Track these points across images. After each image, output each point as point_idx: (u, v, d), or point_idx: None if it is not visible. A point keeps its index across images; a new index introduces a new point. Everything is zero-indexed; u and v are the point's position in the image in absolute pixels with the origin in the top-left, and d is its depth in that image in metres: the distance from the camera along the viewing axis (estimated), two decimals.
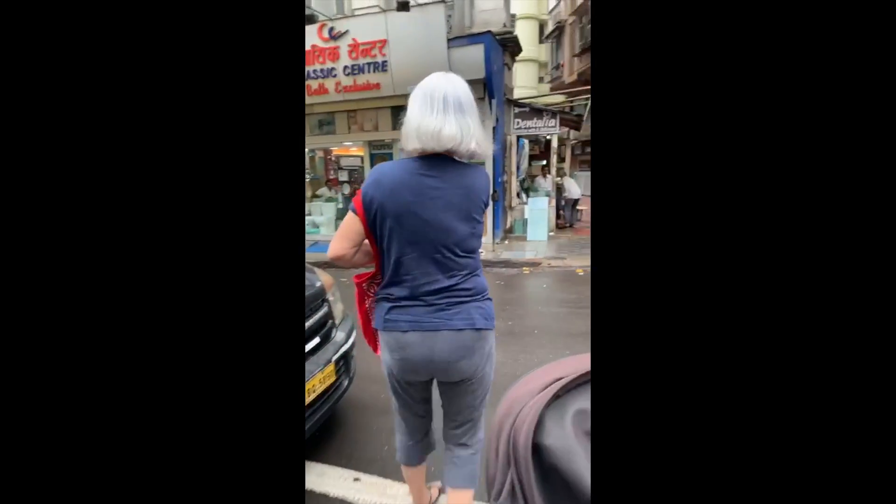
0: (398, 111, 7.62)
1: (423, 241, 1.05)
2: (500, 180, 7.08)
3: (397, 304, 1.10)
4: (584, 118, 9.21)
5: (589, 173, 18.29)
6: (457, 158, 1.07)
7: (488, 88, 6.57)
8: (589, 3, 14.85)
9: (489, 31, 6.38)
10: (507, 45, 7.20)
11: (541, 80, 20.42)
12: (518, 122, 7.57)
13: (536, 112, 7.64)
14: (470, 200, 1.07)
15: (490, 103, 6.63)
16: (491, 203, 7.32)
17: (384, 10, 6.59)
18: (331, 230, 7.44)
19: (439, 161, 1.05)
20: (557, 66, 18.55)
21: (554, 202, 8.47)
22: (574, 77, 15.87)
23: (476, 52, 6.28)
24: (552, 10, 19.15)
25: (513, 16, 7.38)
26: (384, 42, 6.40)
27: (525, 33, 20.78)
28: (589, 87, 9.28)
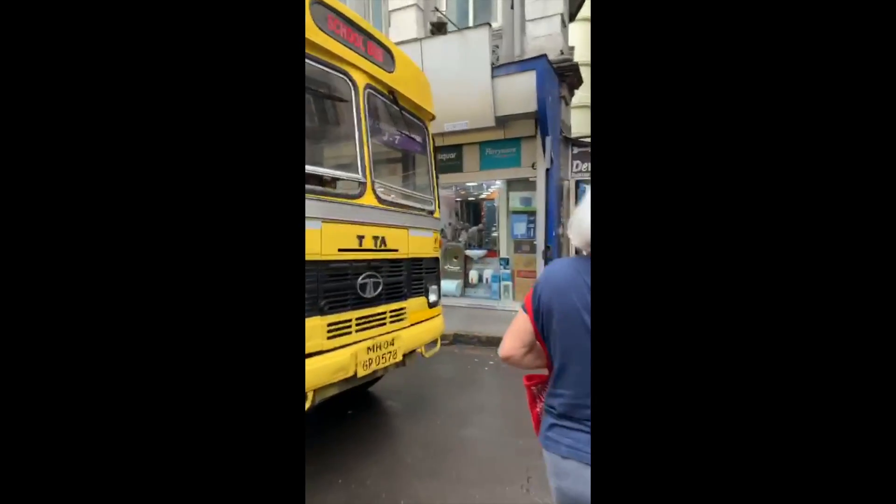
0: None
1: (587, 355, 0.85)
2: (553, 234, 5.72)
3: (559, 422, 0.94)
4: None
5: None
6: None
7: (541, 124, 5.40)
8: None
9: (544, 56, 5.29)
10: (564, 75, 6.06)
11: None
12: (577, 165, 6.26)
13: None
14: None
15: (543, 141, 5.43)
16: (543, 262, 6.07)
17: (419, 39, 5.75)
18: None
19: None
20: None
21: None
22: None
23: (526, 81, 5.18)
24: None
25: (571, 48, 6.28)
26: None
27: (585, 78, 19.94)
28: None
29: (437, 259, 3.04)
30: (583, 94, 18.22)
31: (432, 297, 2.92)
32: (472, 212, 7.51)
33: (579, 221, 0.89)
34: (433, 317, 2.91)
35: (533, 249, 6.14)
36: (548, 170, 5.37)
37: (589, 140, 6.99)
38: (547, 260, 5.64)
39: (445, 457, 2.43)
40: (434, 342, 2.90)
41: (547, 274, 0.96)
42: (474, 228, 7.20)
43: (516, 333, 0.99)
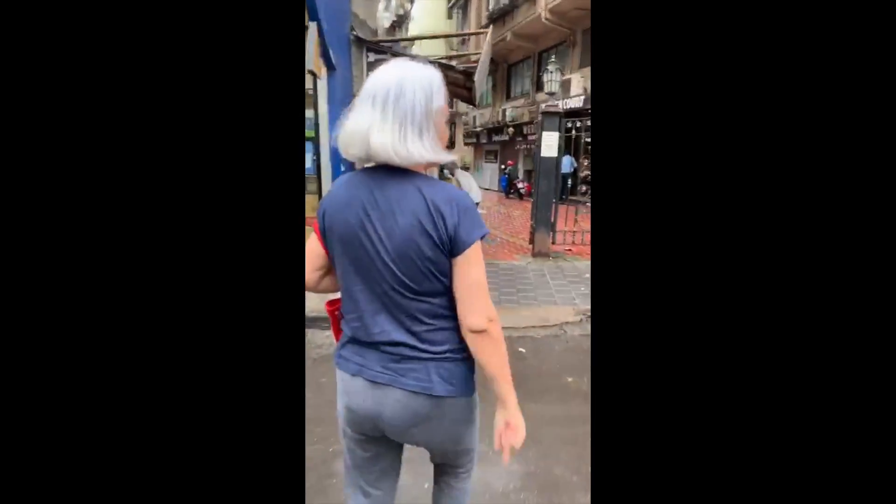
0: None
1: (368, 274, 0.83)
2: (340, 168, 4.33)
3: (350, 341, 0.91)
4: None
5: (495, 165, 16.35)
6: (416, 170, 0.82)
7: (309, 7, 3.73)
8: None
9: None
10: None
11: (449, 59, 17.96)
12: None
13: None
14: (416, 227, 0.78)
15: (312, 32, 3.80)
16: None
17: None
18: None
19: (385, 174, 0.81)
20: (464, 41, 16.18)
21: None
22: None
23: None
24: None
25: None
26: None
27: (431, 6, 18.21)
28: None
29: None
30: (436, 22, 16.59)
31: None
32: None
33: (352, 128, 0.78)
34: None
35: (321, 190, 4.67)
36: (315, 75, 3.80)
37: (392, 46, 5.54)
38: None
39: None
40: None
41: (332, 190, 0.89)
42: None
43: (307, 258, 0.90)
